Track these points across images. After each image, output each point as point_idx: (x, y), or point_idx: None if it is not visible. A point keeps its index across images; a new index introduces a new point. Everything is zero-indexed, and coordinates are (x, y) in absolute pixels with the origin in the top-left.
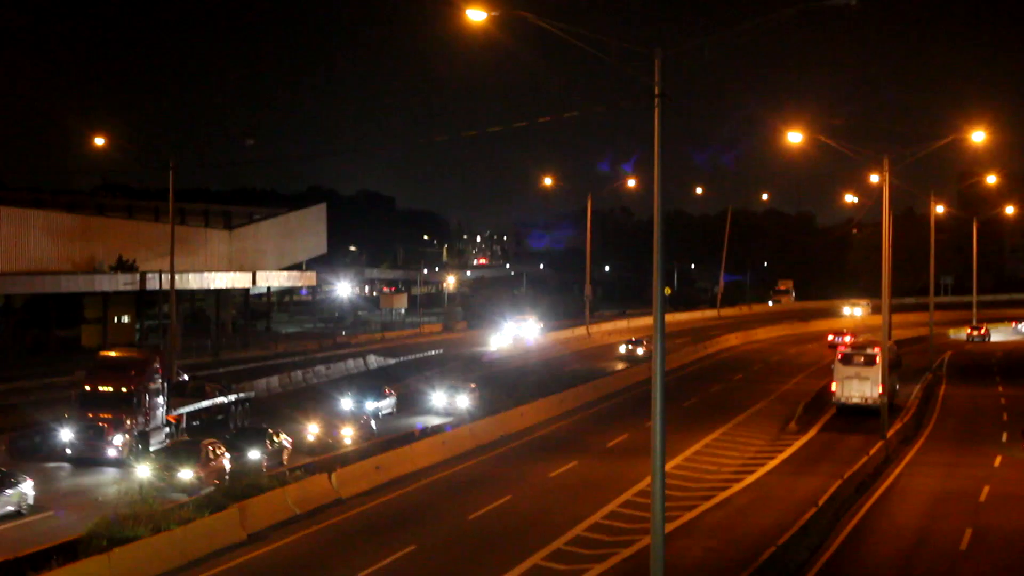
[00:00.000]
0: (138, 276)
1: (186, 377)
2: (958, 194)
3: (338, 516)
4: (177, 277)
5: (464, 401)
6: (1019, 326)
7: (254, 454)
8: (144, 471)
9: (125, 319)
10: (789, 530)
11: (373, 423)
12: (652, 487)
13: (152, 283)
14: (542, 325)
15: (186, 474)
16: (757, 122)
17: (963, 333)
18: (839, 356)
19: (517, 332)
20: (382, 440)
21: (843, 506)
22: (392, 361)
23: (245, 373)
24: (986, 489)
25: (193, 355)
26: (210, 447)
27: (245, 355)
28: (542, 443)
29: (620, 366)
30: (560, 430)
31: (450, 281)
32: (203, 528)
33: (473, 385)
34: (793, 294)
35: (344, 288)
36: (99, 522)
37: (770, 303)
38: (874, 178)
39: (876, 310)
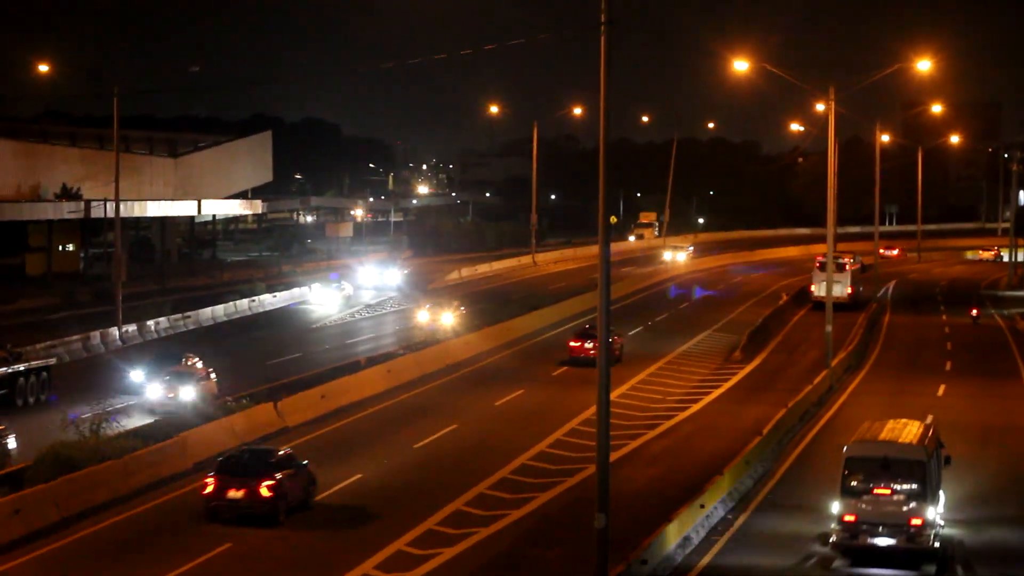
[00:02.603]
0: (83, 204)
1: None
2: (903, 123)
3: (285, 445)
4: (122, 205)
5: (190, 393)
6: None
7: None
8: None
9: (70, 247)
10: (733, 459)
11: (12, 441)
12: (597, 416)
13: (97, 211)
14: (407, 271)
15: None
16: (704, 50)
17: (976, 255)
18: (816, 264)
19: (369, 281)
20: (328, 368)
21: (787, 435)
22: None
23: (189, 302)
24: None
25: (138, 284)
26: None
27: (191, 283)
28: (488, 372)
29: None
30: (506, 359)
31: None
32: (148, 458)
33: (209, 370)
34: (656, 228)
35: (301, 216)
36: (45, 452)
37: (631, 238)
38: (820, 107)
39: (705, 250)
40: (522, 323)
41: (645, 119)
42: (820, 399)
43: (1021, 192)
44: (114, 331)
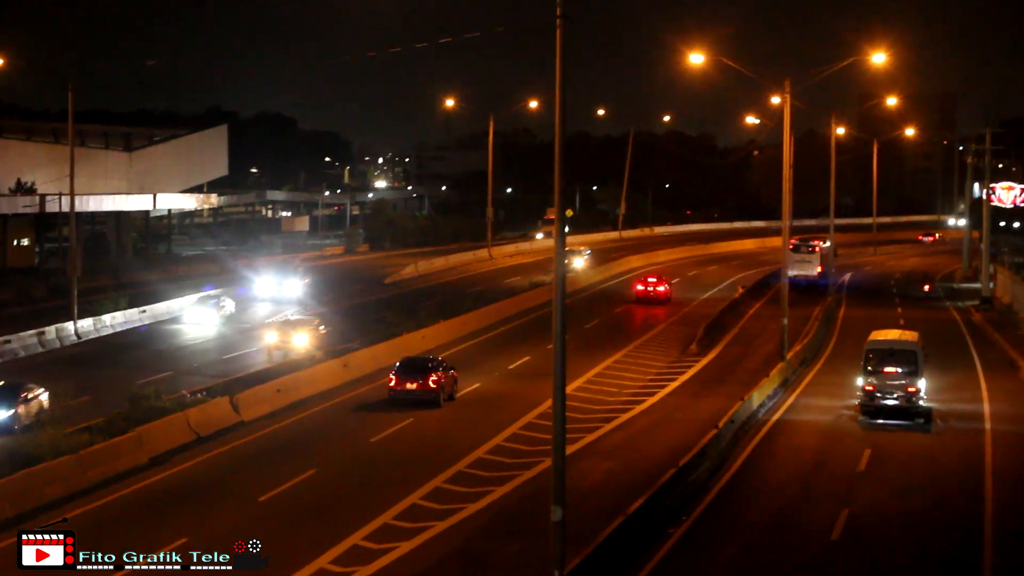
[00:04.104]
0: (37, 199)
1: None
2: (859, 116)
3: (240, 439)
4: (77, 200)
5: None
6: None
7: None
8: None
9: (25, 242)
10: (689, 451)
11: None
12: (553, 409)
13: (52, 206)
14: (307, 281)
15: None
16: (659, 43)
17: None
18: (791, 246)
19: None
20: (286, 362)
21: (743, 427)
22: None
23: (145, 296)
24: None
25: (93, 278)
26: None
27: (146, 278)
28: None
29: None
30: (462, 352)
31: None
32: (104, 452)
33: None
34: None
35: (268, 210)
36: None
37: (539, 235)
38: (775, 100)
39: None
40: (476, 316)
41: (601, 112)
42: (775, 391)
43: (976, 184)
44: (69, 326)
